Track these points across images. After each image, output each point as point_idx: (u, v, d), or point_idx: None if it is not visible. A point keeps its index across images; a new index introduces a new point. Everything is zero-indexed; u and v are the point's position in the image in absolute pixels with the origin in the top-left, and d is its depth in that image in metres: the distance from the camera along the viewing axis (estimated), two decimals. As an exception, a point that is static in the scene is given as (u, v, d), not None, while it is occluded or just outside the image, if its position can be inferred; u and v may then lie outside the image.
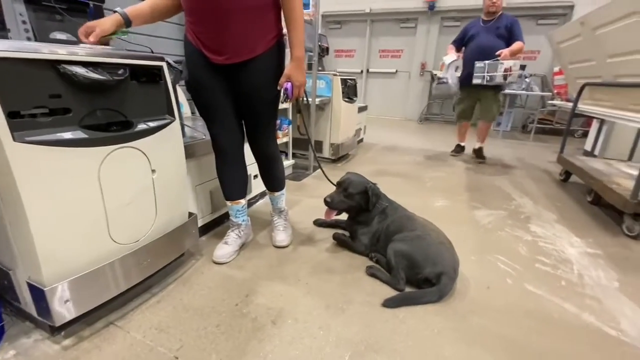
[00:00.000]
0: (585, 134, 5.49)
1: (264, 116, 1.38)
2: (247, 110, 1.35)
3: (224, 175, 1.47)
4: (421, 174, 2.96)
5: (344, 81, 3.03)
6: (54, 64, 0.86)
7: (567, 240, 1.81)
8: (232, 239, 1.52)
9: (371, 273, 1.40)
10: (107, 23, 1.09)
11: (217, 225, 1.79)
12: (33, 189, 0.83)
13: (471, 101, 3.35)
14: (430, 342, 1.07)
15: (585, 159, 2.78)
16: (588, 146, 3.53)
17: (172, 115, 1.23)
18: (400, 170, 3.07)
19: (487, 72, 2.98)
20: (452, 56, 3.21)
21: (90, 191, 0.96)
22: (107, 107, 1.02)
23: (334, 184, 1.62)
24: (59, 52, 0.87)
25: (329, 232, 1.77)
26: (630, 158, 2.74)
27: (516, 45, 2.99)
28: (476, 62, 3.04)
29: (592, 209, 2.26)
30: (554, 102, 3.90)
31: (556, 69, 5.39)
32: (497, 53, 2.96)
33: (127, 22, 1.15)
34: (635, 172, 2.28)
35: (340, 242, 1.63)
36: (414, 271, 1.30)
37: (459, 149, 3.72)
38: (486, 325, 1.15)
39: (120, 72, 1.01)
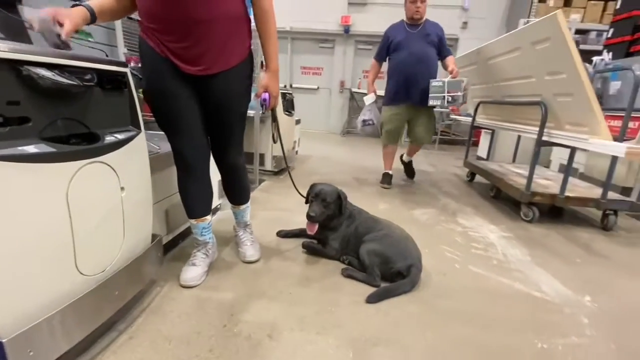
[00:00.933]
0: (475, 143, 6.68)
1: (236, 127, 1.35)
2: (219, 121, 1.30)
3: (190, 192, 1.37)
4: (358, 182, 3.20)
5: (283, 95, 3.10)
6: (15, 65, 0.72)
7: (487, 228, 2.20)
8: (200, 259, 1.41)
9: (348, 275, 1.47)
10: (77, 16, 0.95)
11: (173, 247, 1.64)
12: None
13: (401, 122, 2.95)
14: (416, 327, 1.19)
15: (485, 162, 3.42)
16: (482, 153, 4.32)
17: (138, 126, 1.12)
18: (339, 179, 3.25)
19: (448, 92, 2.58)
20: (371, 97, 3.02)
21: (58, 214, 0.81)
22: (69, 117, 0.88)
23: (302, 195, 1.66)
24: (23, 51, 0.73)
25: (294, 242, 1.79)
26: (514, 160, 3.48)
27: (453, 58, 2.83)
28: (432, 80, 2.64)
29: (495, 202, 2.79)
30: (455, 117, 4.65)
31: (449, 90, 6.47)
32: (450, 69, 2.71)
33: (93, 18, 1.02)
34: (521, 171, 2.93)
35: (311, 250, 1.67)
36: (388, 266, 1.42)
37: (388, 179, 3.03)
38: (452, 305, 1.34)
39: (87, 77, 0.89)
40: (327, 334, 1.13)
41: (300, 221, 2.00)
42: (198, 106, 1.24)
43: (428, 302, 1.34)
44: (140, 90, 1.23)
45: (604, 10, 5.05)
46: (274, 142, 1.49)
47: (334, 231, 1.62)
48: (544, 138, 2.18)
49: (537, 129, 2.18)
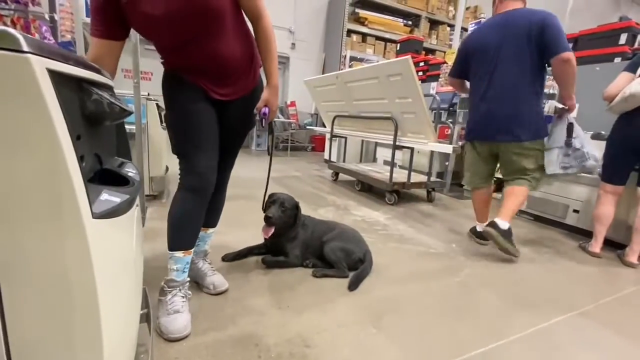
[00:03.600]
0: (313, 149, 7.81)
1: (239, 149, 1.45)
2: (232, 142, 1.38)
3: (194, 218, 1.26)
4: (254, 194, 3.24)
5: (158, 106, 2.72)
6: (83, 85, 0.53)
7: (374, 214, 2.83)
8: (181, 303, 1.21)
9: (322, 274, 1.64)
10: None
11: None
12: (106, 281, 0.49)
13: None
14: (393, 294, 1.53)
15: (344, 164, 4.19)
16: (332, 157, 5.19)
17: (127, 156, 0.90)
18: (239, 193, 3.17)
19: None
20: None
21: (132, 274, 0.62)
22: (95, 152, 0.67)
23: (264, 211, 1.66)
24: (90, 67, 0.54)
25: (244, 264, 1.75)
26: (360, 161, 4.44)
27: None
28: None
29: (363, 194, 3.54)
30: (316, 128, 5.33)
31: (289, 102, 7.25)
32: None
33: None
34: (371, 168, 3.82)
35: (273, 264, 1.70)
36: (351, 257, 1.69)
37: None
38: (398, 272, 1.77)
39: (115, 97, 0.69)
40: (345, 324, 1.29)
41: (230, 240, 1.95)
42: (218, 126, 1.28)
43: (385, 276, 1.72)
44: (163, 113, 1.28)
45: (385, 48, 7.11)
46: (268, 154, 1.47)
47: (293, 240, 1.73)
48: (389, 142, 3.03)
49: (385, 136, 3.01)
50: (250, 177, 4.03)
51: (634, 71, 1.98)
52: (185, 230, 1.23)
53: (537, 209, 2.90)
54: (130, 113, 0.66)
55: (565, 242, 2.48)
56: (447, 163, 3.63)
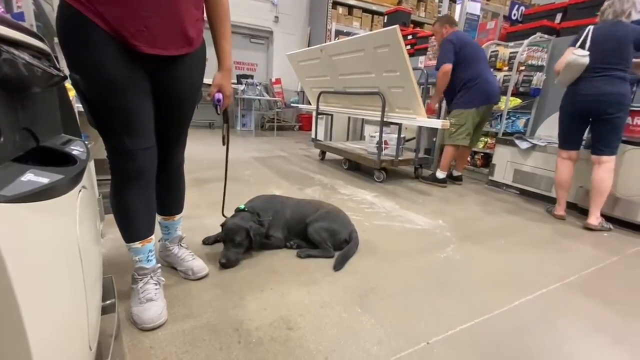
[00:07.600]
0: (301, 128, 7.65)
1: (187, 122, 1.21)
2: (173, 116, 1.14)
3: (137, 206, 1.10)
4: (238, 175, 3.14)
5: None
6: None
7: (360, 192, 2.79)
8: (154, 291, 1.15)
9: (306, 255, 1.59)
10: None
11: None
12: (27, 277, 0.42)
13: None
14: (379, 273, 1.50)
15: (330, 142, 4.10)
16: (319, 136, 5.08)
17: (76, 132, 0.80)
18: (218, 175, 3.08)
19: None
20: None
21: (75, 269, 0.54)
22: (24, 126, 0.57)
23: (225, 216, 1.60)
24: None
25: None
26: (347, 139, 4.35)
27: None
28: None
29: (350, 172, 3.49)
30: (300, 106, 5.17)
31: (273, 79, 7.00)
32: None
33: None
34: (358, 146, 3.75)
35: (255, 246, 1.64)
36: (336, 238, 1.65)
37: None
38: (384, 249, 1.74)
39: (50, 62, 0.59)
40: (329, 305, 1.25)
41: (211, 223, 1.89)
42: (150, 98, 1.03)
43: (372, 254, 1.68)
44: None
45: (372, 21, 6.86)
46: (223, 144, 1.36)
47: (272, 226, 1.66)
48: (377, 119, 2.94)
49: (372, 112, 2.91)
50: (233, 158, 3.91)
51: (575, 45, 2.17)
52: (131, 222, 1.11)
53: (523, 183, 2.91)
54: (63, 78, 0.56)
55: (549, 215, 2.50)
56: (434, 139, 3.58)
